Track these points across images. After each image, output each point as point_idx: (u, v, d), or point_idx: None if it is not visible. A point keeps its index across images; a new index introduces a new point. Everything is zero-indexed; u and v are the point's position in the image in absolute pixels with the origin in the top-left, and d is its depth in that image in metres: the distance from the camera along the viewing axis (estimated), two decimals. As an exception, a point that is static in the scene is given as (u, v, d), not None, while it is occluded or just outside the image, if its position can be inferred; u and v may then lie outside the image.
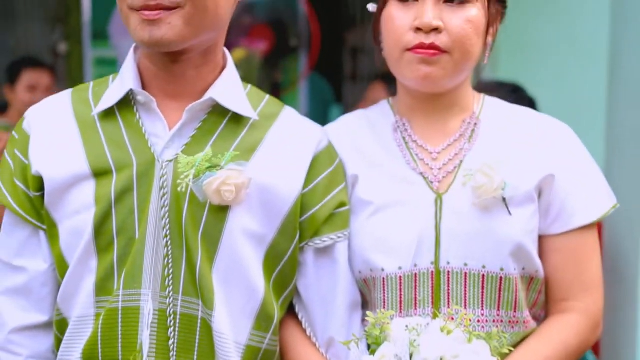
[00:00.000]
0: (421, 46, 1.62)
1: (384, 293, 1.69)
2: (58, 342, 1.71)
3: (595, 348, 3.11)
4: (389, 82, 3.50)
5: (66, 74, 5.55)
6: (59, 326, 1.69)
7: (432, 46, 1.62)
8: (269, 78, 4.74)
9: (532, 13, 5.51)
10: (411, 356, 1.49)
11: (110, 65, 5.46)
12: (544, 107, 4.54)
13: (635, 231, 2.70)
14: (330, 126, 1.82)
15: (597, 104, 3.22)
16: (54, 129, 1.69)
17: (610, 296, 2.87)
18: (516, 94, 3.02)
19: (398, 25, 1.65)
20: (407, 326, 1.51)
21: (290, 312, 1.76)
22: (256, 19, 4.93)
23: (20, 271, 1.71)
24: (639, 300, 2.68)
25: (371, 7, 1.77)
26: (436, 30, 1.62)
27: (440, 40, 1.62)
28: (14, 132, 1.73)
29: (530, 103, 3.00)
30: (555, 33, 5.49)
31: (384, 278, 1.69)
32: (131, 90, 1.64)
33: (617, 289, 2.80)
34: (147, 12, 1.56)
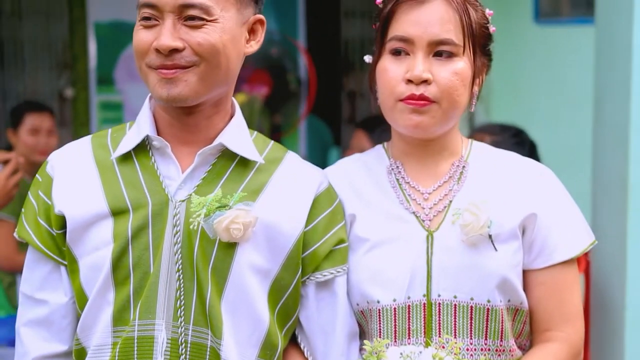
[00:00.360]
0: (412, 97, 1.72)
1: (380, 323, 1.78)
2: None
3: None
4: (370, 129, 3.59)
5: (72, 117, 5.65)
6: (77, 355, 1.78)
7: (422, 97, 1.71)
8: (270, 121, 4.84)
9: (524, 61, 5.67)
10: None
11: (115, 109, 5.59)
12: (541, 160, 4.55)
13: (621, 270, 2.76)
14: (329, 169, 1.91)
15: (585, 146, 3.31)
16: (76, 172, 1.79)
17: (598, 330, 2.91)
18: (518, 137, 3.12)
19: (391, 77, 1.75)
20: (401, 354, 1.60)
21: (293, 341, 1.83)
22: (257, 65, 5.07)
23: (42, 304, 1.80)
24: (625, 335, 2.74)
25: (367, 58, 1.87)
26: (426, 82, 1.71)
27: (429, 91, 1.71)
28: (37, 176, 1.82)
29: (531, 146, 3.11)
30: (546, 80, 5.64)
31: (379, 309, 1.78)
32: (147, 136, 1.73)
33: (605, 324, 2.87)
34: (164, 71, 1.67)
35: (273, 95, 4.96)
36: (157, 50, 1.67)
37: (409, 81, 1.72)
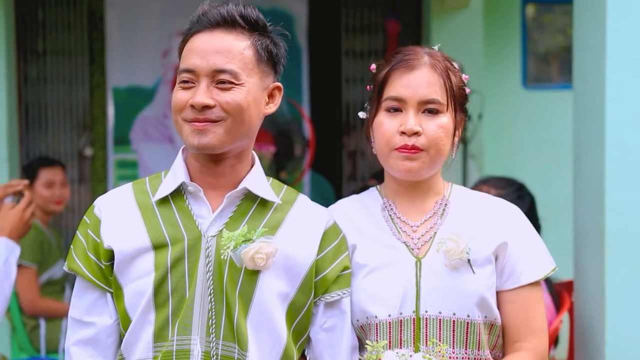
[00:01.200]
0: (405, 147, 1.99)
1: (377, 335, 2.01)
2: None
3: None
4: (382, 180, 3.96)
5: (91, 174, 5.76)
6: None
7: (413, 147, 1.99)
8: (276, 176, 5.05)
9: (514, 122, 5.93)
10: None
11: (130, 167, 5.74)
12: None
13: (600, 309, 2.85)
14: (332, 207, 2.17)
15: (570, 199, 3.47)
16: (121, 213, 1.99)
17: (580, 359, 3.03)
18: (520, 191, 3.39)
19: (387, 130, 2.01)
20: (397, 353, 1.86)
21: (302, 354, 2.05)
22: (264, 126, 5.29)
23: (90, 325, 1.99)
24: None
25: (362, 114, 2.14)
26: (416, 134, 1.99)
27: (419, 141, 1.99)
28: (85, 217, 2.03)
29: (531, 199, 3.36)
30: (534, 139, 5.85)
31: (376, 324, 2.02)
32: (183, 182, 1.97)
33: (585, 353, 2.97)
34: (197, 124, 1.90)
35: (279, 153, 5.15)
36: (192, 106, 1.90)
37: (403, 133, 1.99)
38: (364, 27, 5.98)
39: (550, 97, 5.73)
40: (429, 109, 2.02)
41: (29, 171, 4.58)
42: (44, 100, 5.93)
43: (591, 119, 2.96)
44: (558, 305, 3.20)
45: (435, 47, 2.13)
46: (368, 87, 2.15)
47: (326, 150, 5.52)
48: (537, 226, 3.35)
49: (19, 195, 3.11)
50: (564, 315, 3.25)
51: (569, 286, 3.28)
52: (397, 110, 2.03)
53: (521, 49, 5.83)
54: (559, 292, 3.25)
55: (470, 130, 5.03)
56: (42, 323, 4.33)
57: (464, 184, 4.91)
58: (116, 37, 5.84)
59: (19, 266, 4.11)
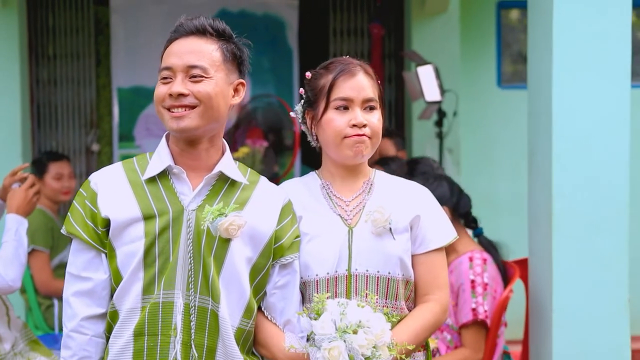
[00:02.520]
0: (357, 135, 2.32)
1: (317, 290, 2.33)
2: (108, 326, 2.24)
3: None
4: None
5: (98, 168, 5.48)
6: (111, 316, 2.23)
7: (364, 135, 2.32)
8: (268, 168, 5.17)
9: (489, 119, 6.09)
10: (341, 320, 2.16)
11: None
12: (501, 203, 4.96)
13: (548, 281, 3.12)
14: (281, 186, 2.45)
15: None
16: (115, 188, 2.25)
17: (535, 328, 3.33)
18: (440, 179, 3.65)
19: (338, 124, 2.32)
20: (338, 302, 2.18)
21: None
22: (258, 124, 5.34)
23: (87, 280, 2.25)
24: (553, 332, 3.11)
25: (292, 114, 2.49)
26: (365, 126, 2.32)
27: (366, 131, 2.32)
28: (81, 190, 2.29)
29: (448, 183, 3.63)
30: (507, 135, 5.98)
31: (317, 280, 2.33)
32: (169, 166, 2.24)
33: (539, 324, 3.27)
34: (174, 111, 2.21)
35: (270, 148, 5.28)
36: (170, 95, 2.19)
37: (354, 126, 2.32)
38: (350, 31, 6.23)
39: (524, 96, 5.88)
40: (369, 106, 2.36)
41: (39, 165, 4.72)
42: (54, 100, 6.16)
43: (541, 116, 3.21)
44: (506, 278, 3.48)
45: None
46: (301, 90, 2.48)
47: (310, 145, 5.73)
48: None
49: (24, 181, 3.47)
50: (516, 287, 3.52)
51: (524, 262, 3.54)
52: (345, 108, 2.35)
53: (496, 50, 6.04)
54: (505, 266, 3.51)
55: (445, 125, 5.30)
56: (56, 303, 4.49)
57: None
58: (120, 41, 6.05)
59: (33, 251, 4.40)
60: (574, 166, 3.11)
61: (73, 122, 6.21)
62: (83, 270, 2.28)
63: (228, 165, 2.32)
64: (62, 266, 4.55)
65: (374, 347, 2.17)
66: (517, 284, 3.52)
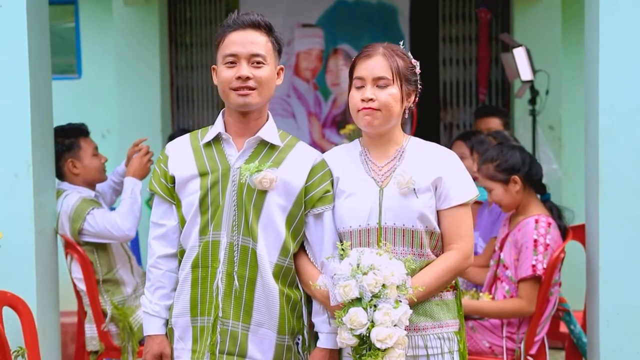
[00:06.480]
0: (364, 109, 2.60)
1: (351, 239, 2.61)
2: (180, 262, 2.66)
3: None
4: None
5: None
6: (180, 254, 2.66)
7: (369, 108, 2.59)
8: None
9: None
10: (358, 265, 2.44)
11: None
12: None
13: (596, 244, 3.34)
14: (328, 152, 2.79)
15: None
16: (180, 153, 2.68)
17: (588, 283, 3.54)
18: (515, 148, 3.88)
19: (355, 99, 2.63)
20: (357, 249, 2.50)
21: (302, 248, 2.68)
22: None
23: (163, 226, 2.69)
24: (600, 288, 3.33)
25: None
26: (371, 100, 2.58)
27: (373, 105, 2.58)
28: (160, 155, 2.72)
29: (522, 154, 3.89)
30: None
31: (351, 232, 2.63)
32: (219, 132, 2.65)
33: (590, 278, 3.50)
34: (240, 91, 2.58)
35: None
36: (239, 78, 2.55)
37: (362, 100, 2.62)
38: (459, 16, 6.42)
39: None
40: (380, 83, 2.61)
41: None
42: (190, 83, 6.59)
43: (592, 92, 3.39)
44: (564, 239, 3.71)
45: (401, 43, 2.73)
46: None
47: (425, 124, 5.93)
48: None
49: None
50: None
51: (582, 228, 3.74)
52: (361, 86, 2.64)
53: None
54: (566, 230, 3.74)
55: (538, 104, 5.52)
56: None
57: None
58: (249, 30, 6.51)
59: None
60: (618, 138, 3.32)
61: (207, 104, 6.65)
62: (160, 218, 2.72)
63: (268, 131, 2.69)
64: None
65: (383, 286, 2.44)
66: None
